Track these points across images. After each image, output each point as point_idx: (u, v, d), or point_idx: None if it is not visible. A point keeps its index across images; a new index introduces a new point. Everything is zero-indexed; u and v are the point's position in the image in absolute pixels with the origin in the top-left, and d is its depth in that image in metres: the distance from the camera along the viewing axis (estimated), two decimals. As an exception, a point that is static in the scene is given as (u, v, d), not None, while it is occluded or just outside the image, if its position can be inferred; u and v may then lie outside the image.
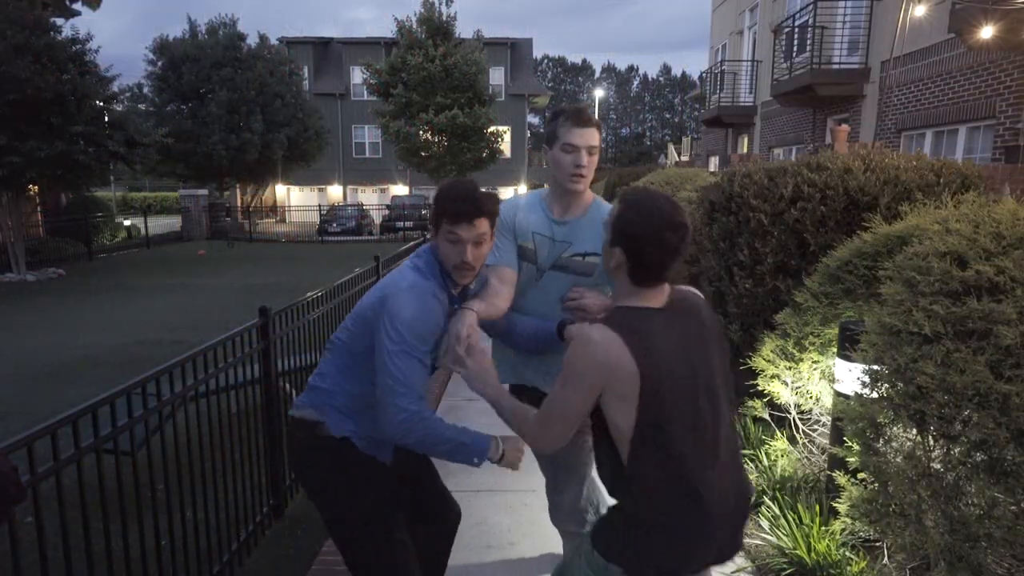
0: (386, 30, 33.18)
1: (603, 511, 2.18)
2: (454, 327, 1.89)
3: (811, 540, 2.60)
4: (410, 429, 1.74)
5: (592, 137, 2.08)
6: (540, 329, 2.15)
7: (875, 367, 2.18)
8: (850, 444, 2.33)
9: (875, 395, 2.17)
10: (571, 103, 75.03)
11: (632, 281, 1.56)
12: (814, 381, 3.15)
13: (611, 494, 1.64)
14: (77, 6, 11.23)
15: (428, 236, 1.98)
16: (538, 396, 2.12)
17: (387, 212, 24.66)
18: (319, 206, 25.38)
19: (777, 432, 3.51)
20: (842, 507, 2.36)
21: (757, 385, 3.34)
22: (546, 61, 76.67)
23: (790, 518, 2.76)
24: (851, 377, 2.61)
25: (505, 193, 31.73)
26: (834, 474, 2.60)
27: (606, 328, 1.49)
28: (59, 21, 12.88)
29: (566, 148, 2.07)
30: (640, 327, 1.51)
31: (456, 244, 1.81)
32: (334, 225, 23.17)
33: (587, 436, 2.05)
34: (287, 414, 1.99)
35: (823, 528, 2.66)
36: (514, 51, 33.07)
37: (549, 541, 2.95)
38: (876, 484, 2.18)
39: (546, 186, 2.27)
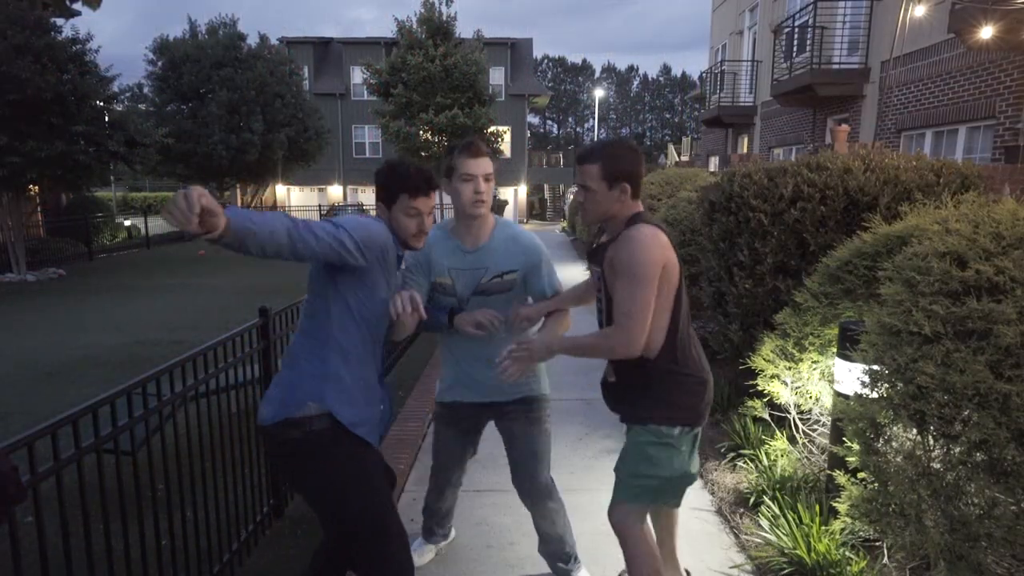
0: (387, 30, 33.22)
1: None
2: (483, 316, 2.22)
3: (811, 540, 2.60)
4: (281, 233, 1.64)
5: (486, 165, 2.26)
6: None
7: (875, 367, 2.19)
8: (850, 444, 2.33)
9: (875, 395, 2.18)
10: (570, 101, 75.10)
11: (633, 199, 1.97)
12: (814, 381, 3.16)
13: (624, 375, 2.08)
14: (77, 6, 11.26)
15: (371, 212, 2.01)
16: (473, 410, 2.53)
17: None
18: (319, 206, 25.36)
19: (777, 432, 3.51)
20: (842, 507, 2.36)
21: (757, 385, 3.34)
22: (546, 61, 76.67)
23: (790, 518, 2.76)
24: (851, 377, 2.61)
25: (504, 193, 31.72)
26: (834, 474, 2.60)
27: (646, 225, 1.89)
28: (59, 21, 12.86)
29: (464, 178, 2.24)
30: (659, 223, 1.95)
31: (415, 217, 1.99)
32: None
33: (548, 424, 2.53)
34: (257, 423, 1.98)
35: (823, 528, 2.66)
36: (514, 51, 33.05)
37: (549, 541, 2.95)
38: (876, 484, 2.18)
39: (447, 219, 2.45)
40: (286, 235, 1.63)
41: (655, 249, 1.85)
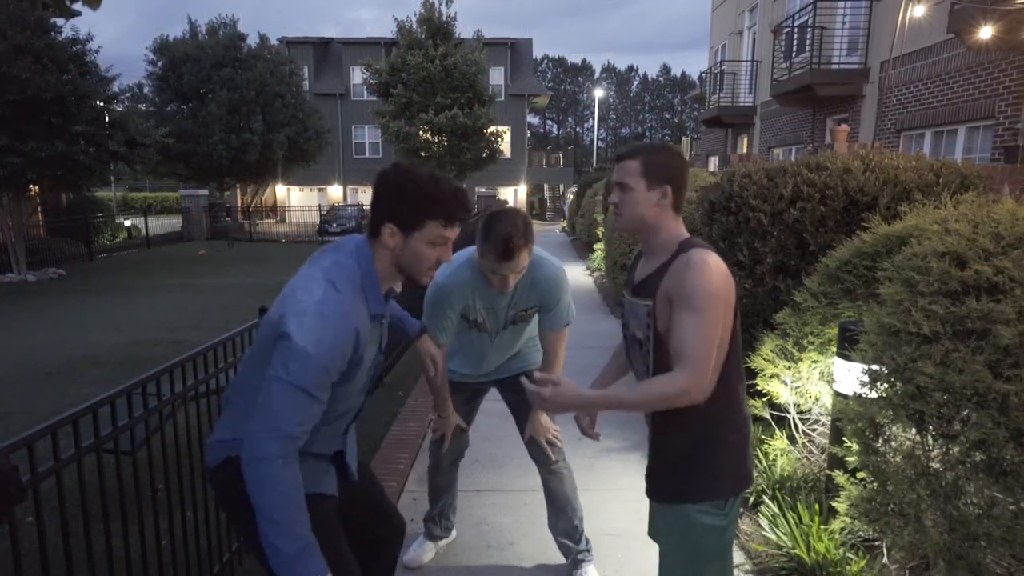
0: (387, 30, 33.17)
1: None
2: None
3: (810, 539, 2.60)
4: (258, 476, 1.45)
5: (520, 264, 2.17)
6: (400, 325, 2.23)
7: (874, 367, 2.19)
8: (849, 444, 2.33)
9: (874, 395, 2.18)
10: (570, 101, 75.13)
11: (675, 211, 1.72)
12: (813, 381, 3.16)
13: (667, 426, 1.72)
14: (77, 6, 11.26)
15: (361, 229, 1.74)
16: (480, 387, 2.72)
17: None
18: (319, 206, 25.35)
19: (776, 431, 3.51)
20: (841, 506, 2.36)
21: (757, 385, 3.34)
22: (546, 61, 76.68)
23: (789, 517, 2.76)
24: (850, 377, 2.61)
25: (504, 194, 31.72)
26: (833, 473, 2.60)
27: (706, 250, 1.64)
28: (59, 21, 12.86)
29: (493, 269, 2.19)
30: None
31: (440, 246, 1.61)
32: (334, 225, 23.17)
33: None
34: (205, 466, 1.72)
35: (822, 527, 2.66)
36: (514, 51, 33.06)
37: (549, 541, 2.95)
38: (875, 483, 2.18)
39: (468, 253, 2.42)
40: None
41: (721, 277, 1.60)
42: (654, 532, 1.89)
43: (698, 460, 1.69)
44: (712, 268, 1.59)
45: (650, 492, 1.81)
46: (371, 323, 1.61)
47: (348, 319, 1.52)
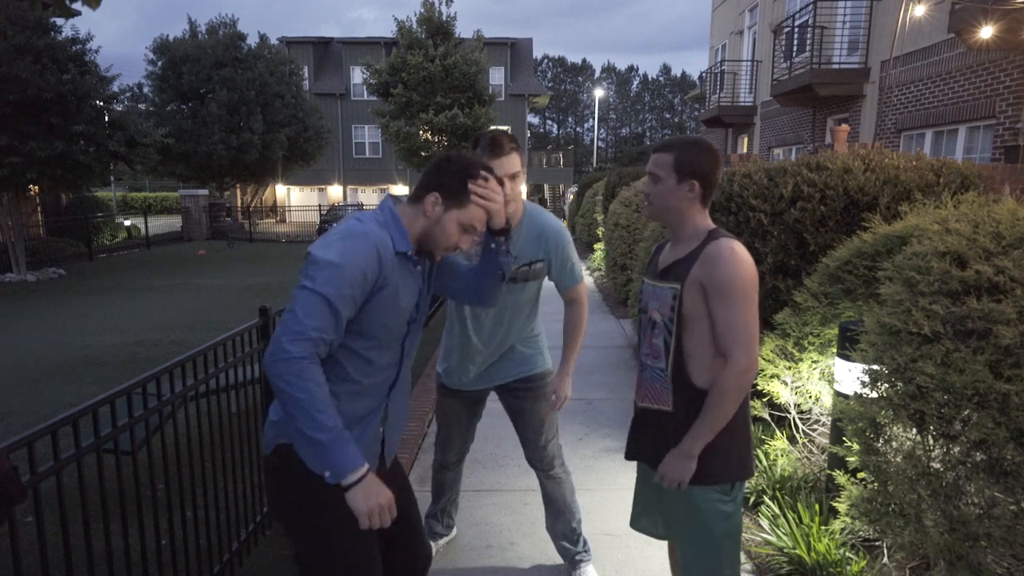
0: (388, 30, 33.20)
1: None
2: None
3: (811, 539, 2.60)
4: (281, 373, 1.46)
5: (511, 164, 2.13)
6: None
7: (875, 367, 2.19)
8: (850, 444, 2.33)
9: (875, 395, 2.18)
10: (570, 101, 75.13)
11: (702, 205, 1.82)
12: (814, 381, 3.16)
13: (691, 417, 1.80)
14: (77, 6, 11.21)
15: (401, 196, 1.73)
16: (481, 393, 2.60)
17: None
18: (319, 206, 25.35)
19: (777, 432, 3.51)
20: (842, 506, 2.36)
21: (757, 385, 3.34)
22: (546, 61, 76.66)
23: (790, 517, 2.76)
24: (851, 377, 2.61)
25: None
26: (834, 473, 2.60)
27: (733, 239, 1.76)
28: (59, 21, 12.86)
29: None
30: None
31: (467, 233, 1.67)
32: (334, 225, 23.11)
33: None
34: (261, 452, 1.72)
35: (823, 527, 2.66)
36: (514, 51, 33.06)
37: (549, 542, 2.95)
38: (876, 484, 2.18)
39: None
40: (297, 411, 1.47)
41: (749, 264, 1.73)
42: (653, 523, 2.02)
43: (713, 447, 1.79)
44: (741, 256, 1.71)
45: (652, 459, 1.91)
46: (398, 259, 1.63)
47: (368, 237, 1.57)
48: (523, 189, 2.27)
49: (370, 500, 1.51)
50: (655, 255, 1.97)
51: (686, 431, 1.79)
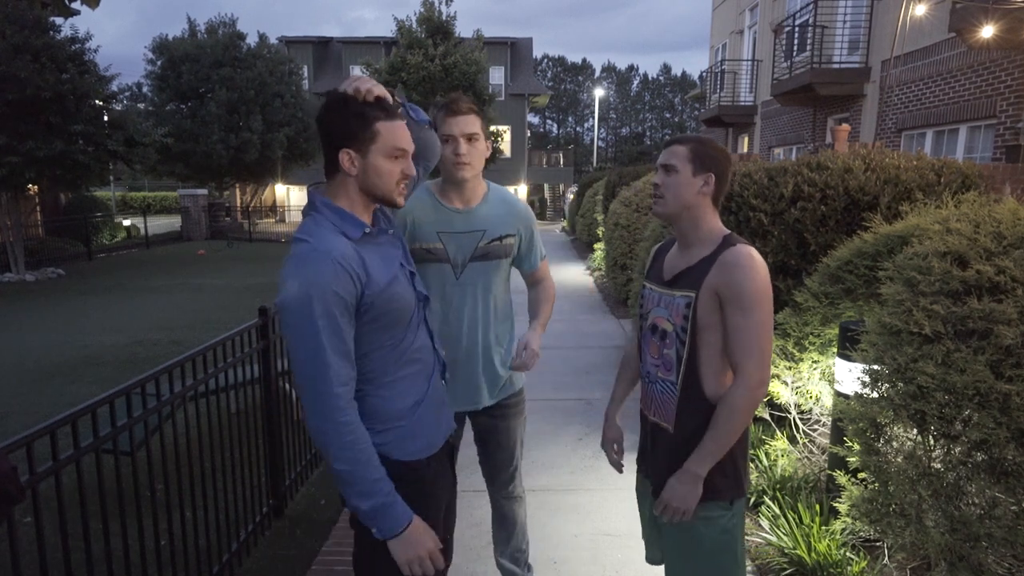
0: (389, 30, 33.24)
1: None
2: None
3: (811, 540, 2.59)
4: (332, 440, 1.42)
5: (468, 124, 2.01)
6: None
7: (875, 367, 2.18)
8: (850, 444, 2.32)
9: (875, 395, 2.17)
10: (570, 100, 75.15)
11: (714, 204, 1.74)
12: (814, 381, 3.15)
13: (688, 422, 1.71)
14: (76, 5, 11.18)
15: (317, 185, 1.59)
16: (459, 418, 2.24)
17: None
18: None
19: (777, 432, 3.51)
20: (842, 507, 2.36)
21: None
22: (546, 61, 76.65)
23: (790, 518, 2.75)
24: (851, 377, 2.61)
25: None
26: (834, 474, 2.60)
27: (749, 247, 1.66)
28: (58, 20, 12.84)
29: (443, 138, 2.01)
30: None
31: (401, 159, 1.52)
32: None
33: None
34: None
35: (823, 528, 2.66)
36: (514, 51, 33.05)
37: (546, 541, 2.95)
38: (876, 484, 2.18)
39: (428, 183, 2.17)
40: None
41: (766, 273, 1.65)
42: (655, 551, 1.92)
43: (720, 462, 1.69)
44: (759, 265, 1.63)
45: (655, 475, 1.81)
46: (363, 245, 1.50)
47: (325, 254, 1.43)
48: (482, 154, 2.11)
49: (409, 552, 1.49)
50: (657, 258, 1.88)
51: (689, 449, 1.68)
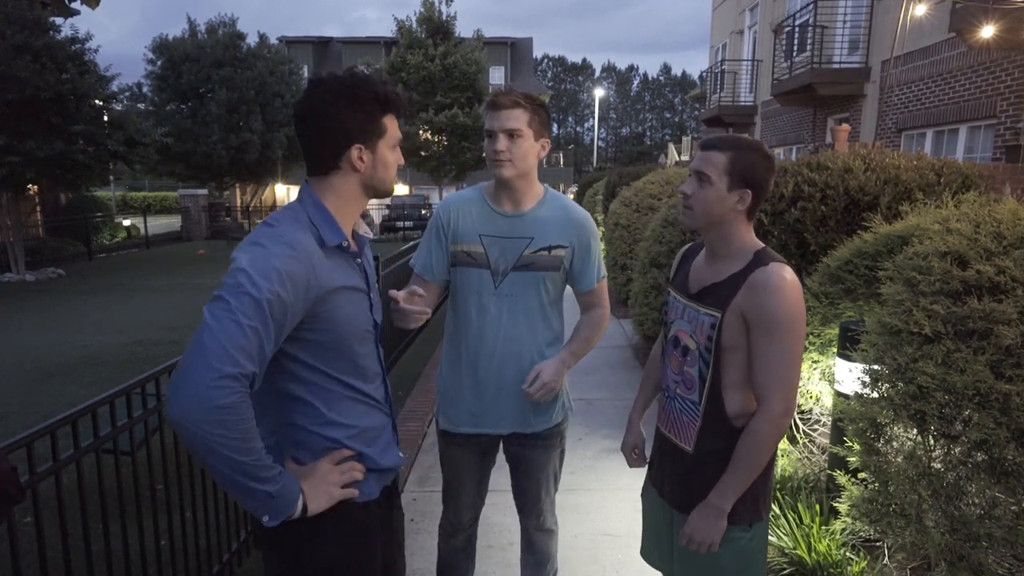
0: (390, 30, 33.21)
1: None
2: None
3: (811, 540, 2.59)
4: (219, 405, 1.24)
5: (508, 119, 1.83)
6: None
7: (875, 367, 2.18)
8: (850, 444, 2.32)
9: (875, 395, 2.17)
10: (570, 100, 75.16)
11: (748, 219, 1.59)
12: (814, 381, 3.15)
13: (709, 444, 1.62)
14: (76, 5, 11.18)
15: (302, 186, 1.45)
16: (492, 441, 2.09)
17: (387, 212, 24.68)
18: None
19: (777, 432, 3.51)
20: (842, 507, 2.36)
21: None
22: (546, 61, 76.70)
23: (790, 518, 2.75)
24: (851, 377, 2.61)
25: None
26: (834, 474, 2.60)
27: (783, 265, 1.53)
28: (59, 21, 12.85)
29: (486, 134, 1.89)
30: None
31: (397, 149, 1.46)
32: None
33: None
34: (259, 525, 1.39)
35: (823, 528, 2.66)
36: (514, 51, 33.07)
37: (549, 541, 2.94)
38: (876, 484, 2.18)
39: (483, 183, 2.07)
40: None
41: (799, 296, 1.52)
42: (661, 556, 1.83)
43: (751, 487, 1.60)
44: (792, 287, 1.50)
45: (672, 498, 1.73)
46: (331, 256, 1.38)
47: (282, 239, 1.34)
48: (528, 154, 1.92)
49: (319, 487, 1.38)
50: (683, 263, 1.76)
51: (705, 472, 1.61)
